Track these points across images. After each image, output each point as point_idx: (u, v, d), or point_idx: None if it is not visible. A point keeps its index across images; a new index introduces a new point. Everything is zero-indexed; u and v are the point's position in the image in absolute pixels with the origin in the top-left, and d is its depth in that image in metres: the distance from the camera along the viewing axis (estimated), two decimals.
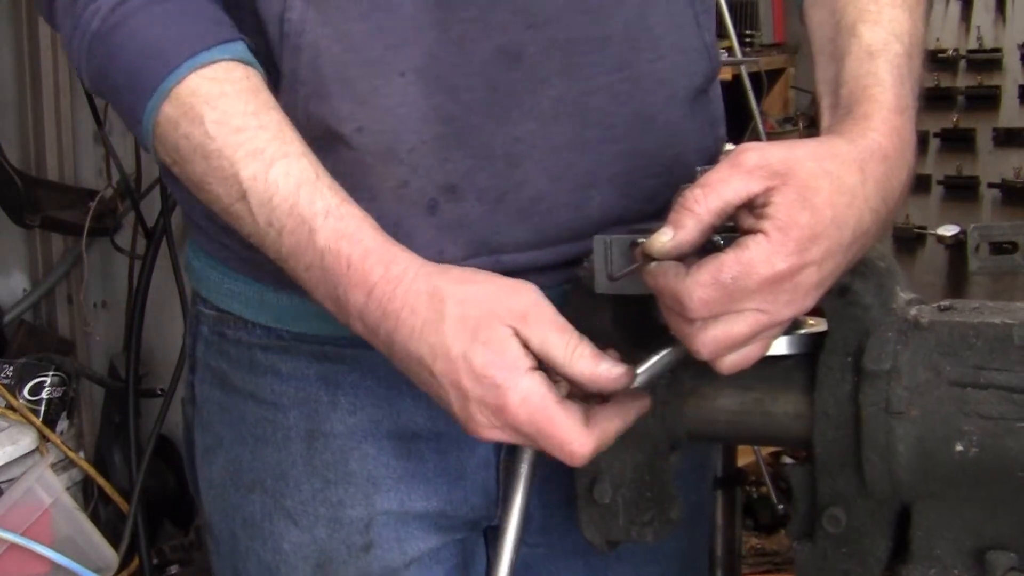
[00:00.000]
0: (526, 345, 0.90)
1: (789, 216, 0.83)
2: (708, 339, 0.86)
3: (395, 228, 0.99)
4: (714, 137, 1.14)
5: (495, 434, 0.92)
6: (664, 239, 0.86)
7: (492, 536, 1.18)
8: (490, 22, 0.99)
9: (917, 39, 0.99)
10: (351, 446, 1.10)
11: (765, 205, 0.84)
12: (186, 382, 1.22)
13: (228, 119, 0.94)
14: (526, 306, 0.91)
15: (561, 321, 0.91)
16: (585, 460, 0.91)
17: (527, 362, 0.90)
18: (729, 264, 0.83)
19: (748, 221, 0.85)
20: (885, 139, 0.90)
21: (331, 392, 1.10)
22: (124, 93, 0.98)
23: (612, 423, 0.92)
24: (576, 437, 0.90)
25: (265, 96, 0.97)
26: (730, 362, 0.88)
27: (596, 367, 0.90)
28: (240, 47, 0.98)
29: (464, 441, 1.10)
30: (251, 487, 1.13)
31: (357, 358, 1.08)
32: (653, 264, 0.87)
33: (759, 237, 0.84)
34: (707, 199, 0.85)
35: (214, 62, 0.96)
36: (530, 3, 1.00)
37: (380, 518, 1.11)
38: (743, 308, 0.85)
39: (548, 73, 1.01)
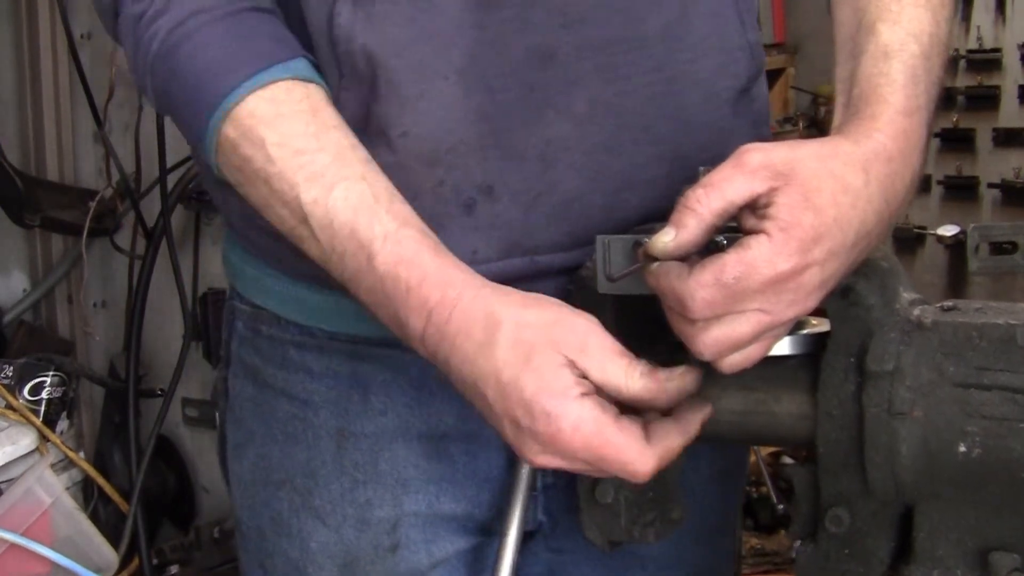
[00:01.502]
0: (585, 376, 0.89)
1: (792, 216, 0.83)
2: (710, 340, 0.86)
3: (431, 227, 0.98)
4: (757, 137, 1.12)
5: (552, 462, 0.90)
6: (666, 239, 0.86)
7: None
8: (526, 22, 0.99)
9: (938, 40, 0.98)
10: (381, 446, 1.10)
11: (768, 205, 0.84)
12: (219, 376, 1.22)
13: (288, 141, 0.95)
14: (584, 336, 0.90)
15: (619, 347, 0.90)
16: (648, 477, 0.89)
17: (578, 389, 0.88)
18: (731, 264, 0.83)
19: (751, 221, 0.85)
20: (890, 140, 0.90)
21: (362, 391, 1.09)
22: (185, 114, 0.99)
23: (673, 437, 0.91)
24: (636, 456, 0.88)
25: (325, 115, 0.97)
26: (731, 362, 0.88)
27: (659, 381, 0.89)
28: (301, 64, 0.98)
29: (493, 444, 1.10)
30: (280, 484, 1.13)
31: (389, 358, 1.08)
32: (655, 264, 0.87)
33: (762, 237, 0.83)
34: (710, 199, 0.85)
35: (273, 82, 0.95)
36: (566, 3, 0.99)
37: (408, 519, 1.11)
38: (745, 308, 0.84)
39: (582, 73, 1.01)
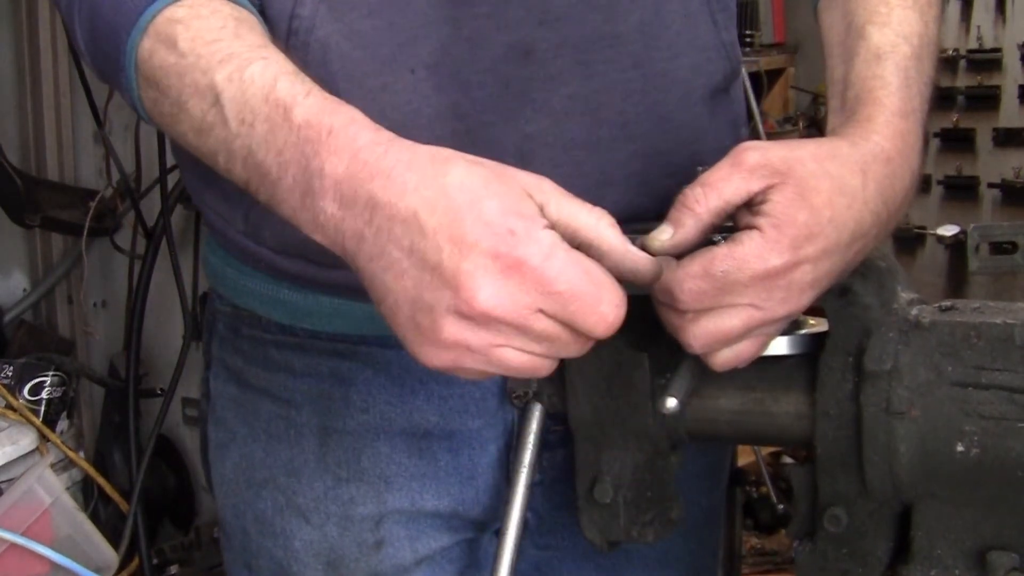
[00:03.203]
0: (542, 212, 0.79)
1: (786, 214, 0.83)
2: (700, 331, 0.86)
3: None
4: (735, 138, 1.13)
5: (500, 299, 0.76)
6: (663, 237, 0.86)
7: None
8: (502, 19, 0.99)
9: (928, 40, 0.99)
10: (363, 444, 1.10)
11: (763, 202, 0.84)
12: (201, 378, 1.22)
13: (201, 35, 0.88)
14: (541, 179, 0.81)
15: (579, 199, 0.82)
16: (614, 328, 0.79)
17: (544, 220, 0.78)
18: (721, 257, 0.83)
19: (746, 218, 0.85)
20: (888, 142, 0.90)
21: (344, 389, 1.10)
22: (109, 47, 0.92)
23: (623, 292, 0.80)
24: (612, 297, 0.78)
25: (249, 24, 0.91)
26: (723, 358, 0.88)
27: (626, 243, 0.81)
28: None
29: (476, 441, 1.10)
30: (263, 484, 1.13)
31: (370, 356, 1.08)
32: None
33: (754, 233, 0.84)
34: (707, 198, 0.85)
35: None
36: (543, 0, 0.99)
37: (391, 516, 1.11)
38: (735, 303, 0.84)
39: (560, 70, 1.01)
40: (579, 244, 0.80)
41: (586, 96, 1.02)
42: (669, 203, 0.99)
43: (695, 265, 0.84)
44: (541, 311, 0.78)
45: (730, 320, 0.85)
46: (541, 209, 0.79)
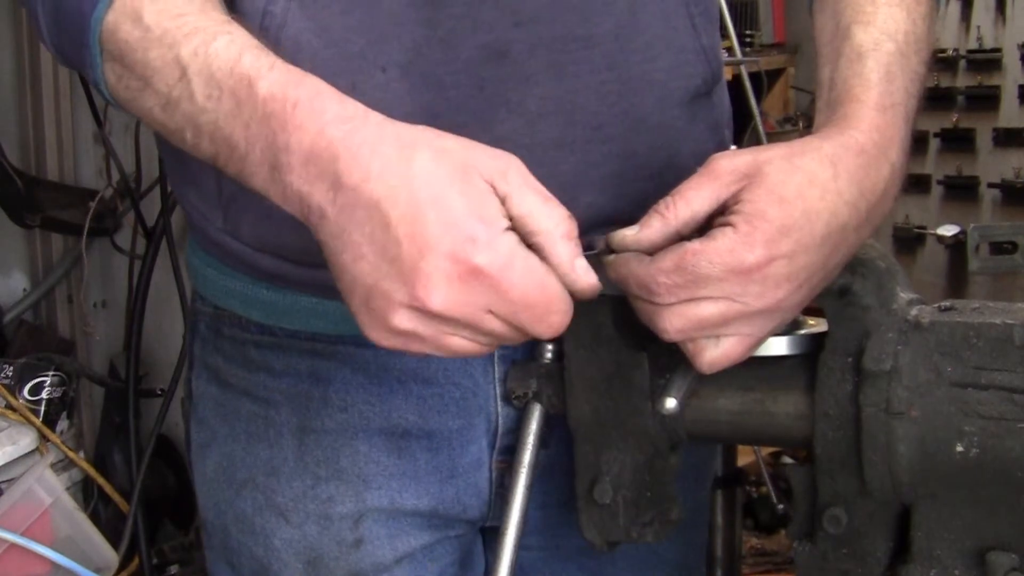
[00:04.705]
0: (504, 203, 0.82)
1: (756, 209, 0.85)
2: (675, 315, 0.86)
3: None
4: (716, 142, 1.14)
5: (455, 300, 0.80)
6: (628, 233, 0.88)
7: (489, 536, 1.18)
8: (477, 19, 0.99)
9: (916, 37, 0.99)
10: (341, 443, 1.10)
11: (736, 203, 0.86)
12: (184, 379, 1.23)
13: (167, 9, 0.89)
14: (508, 165, 0.83)
15: (547, 192, 0.84)
16: (558, 334, 0.84)
17: (505, 222, 0.81)
18: (693, 251, 0.84)
19: (719, 219, 0.86)
20: (862, 135, 0.91)
21: (322, 388, 1.10)
22: (73, 25, 0.92)
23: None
24: (560, 306, 0.83)
25: (213, 2, 0.92)
26: (710, 357, 0.88)
27: (576, 256, 0.84)
28: None
29: (457, 441, 1.10)
30: (243, 483, 1.14)
31: (348, 355, 1.08)
32: (612, 256, 0.88)
33: (727, 229, 0.85)
34: (677, 207, 0.87)
35: None
36: (517, 1, 0.99)
37: (370, 515, 1.11)
38: (712, 295, 0.85)
39: (534, 71, 1.01)
40: (532, 244, 0.83)
41: (560, 97, 1.02)
42: (645, 205, 1.00)
43: (667, 260, 0.85)
44: (492, 312, 0.82)
45: (706, 308, 0.86)
46: (504, 201, 0.82)
